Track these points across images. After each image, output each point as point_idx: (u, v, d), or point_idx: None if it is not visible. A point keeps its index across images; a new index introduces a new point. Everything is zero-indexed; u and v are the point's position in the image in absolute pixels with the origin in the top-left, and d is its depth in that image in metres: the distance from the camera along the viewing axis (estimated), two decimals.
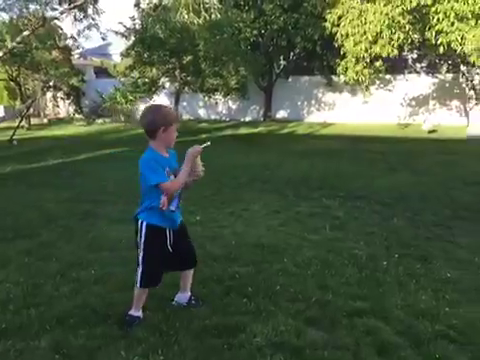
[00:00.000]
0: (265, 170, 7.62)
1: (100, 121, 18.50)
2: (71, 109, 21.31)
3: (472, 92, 11.90)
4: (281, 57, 18.14)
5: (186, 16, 12.01)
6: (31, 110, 18.62)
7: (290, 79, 18.12)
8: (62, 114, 21.68)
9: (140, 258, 2.53)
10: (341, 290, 2.97)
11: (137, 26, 12.93)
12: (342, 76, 12.04)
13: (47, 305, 2.81)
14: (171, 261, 2.59)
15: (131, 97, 13.30)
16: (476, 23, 8.66)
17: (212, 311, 2.68)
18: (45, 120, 19.74)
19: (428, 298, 2.86)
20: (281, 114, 18.62)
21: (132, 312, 2.59)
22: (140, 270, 2.53)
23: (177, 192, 2.50)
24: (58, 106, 21.60)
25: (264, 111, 18.35)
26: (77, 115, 20.73)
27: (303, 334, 2.42)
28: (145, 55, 12.55)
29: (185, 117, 18.70)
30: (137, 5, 13.16)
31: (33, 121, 17.91)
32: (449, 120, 14.81)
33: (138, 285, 2.55)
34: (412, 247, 3.82)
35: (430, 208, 5.06)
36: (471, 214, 4.79)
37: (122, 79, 15.74)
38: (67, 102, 21.21)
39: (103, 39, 14.87)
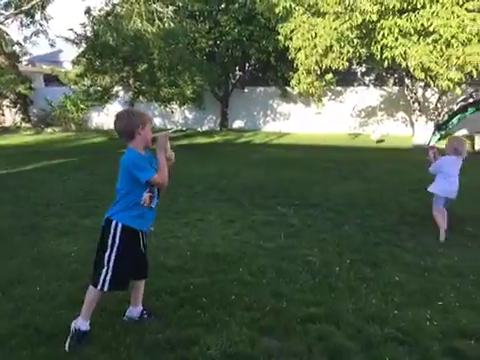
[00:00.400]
0: (221, 179, 7.61)
1: (49, 130, 17.74)
2: (18, 118, 20.29)
3: (416, 104, 12.60)
4: (237, 68, 18.36)
5: (139, 24, 11.85)
6: None
7: (246, 90, 18.37)
8: (8, 123, 20.59)
9: (109, 259, 2.45)
10: (295, 297, 2.99)
11: (88, 33, 12.59)
12: (295, 88, 12.35)
13: None
14: (138, 266, 2.58)
15: (82, 105, 12.87)
16: (418, 39, 9.22)
17: (165, 324, 2.61)
18: None
19: (378, 302, 2.95)
20: (237, 124, 18.78)
21: (80, 324, 2.47)
22: (107, 272, 2.45)
23: (154, 190, 2.55)
24: (4, 114, 20.48)
25: (220, 121, 18.43)
26: (25, 124, 19.76)
27: (257, 343, 2.41)
28: (97, 63, 12.22)
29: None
30: (88, 12, 12.81)
31: None
32: (396, 130, 15.61)
33: (104, 288, 2.45)
34: (362, 252, 3.95)
35: (379, 214, 5.27)
36: (416, 219, 5.03)
37: (73, 87, 15.24)
38: (14, 110, 20.18)
39: (52, 46, 14.37)
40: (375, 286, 3.20)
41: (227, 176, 7.89)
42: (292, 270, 3.51)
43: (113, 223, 2.47)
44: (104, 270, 2.45)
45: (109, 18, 12.76)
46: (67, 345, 2.42)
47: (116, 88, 13.97)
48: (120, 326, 2.59)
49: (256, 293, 3.04)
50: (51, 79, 20.74)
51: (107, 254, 2.46)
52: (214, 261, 3.69)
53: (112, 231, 2.47)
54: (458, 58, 8.78)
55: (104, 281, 2.45)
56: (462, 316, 2.75)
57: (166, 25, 12.36)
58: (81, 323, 2.48)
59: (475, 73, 9.12)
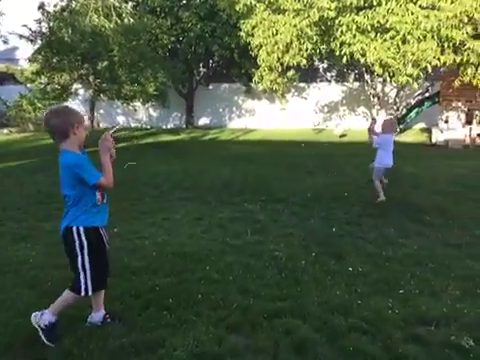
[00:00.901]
0: (187, 177, 7.55)
1: (5, 131, 16.97)
2: None
3: (376, 99, 12.99)
4: (200, 64, 18.22)
5: (96, 20, 11.50)
6: None
7: (211, 86, 18.29)
8: None
9: (83, 264, 2.43)
10: (262, 293, 3.01)
11: (44, 29, 12.09)
12: (259, 84, 12.43)
13: None
14: (107, 262, 2.57)
15: (40, 104, 12.35)
16: (376, 36, 9.48)
17: (130, 328, 2.55)
18: None
19: (342, 293, 3.01)
20: (203, 121, 18.68)
21: (48, 318, 2.45)
22: (86, 277, 2.43)
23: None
24: None
25: (186, 118, 18.26)
26: None
27: (224, 341, 2.40)
28: (54, 60, 11.75)
29: (102, 125, 17.90)
30: (42, 7, 12.28)
31: None
32: (358, 125, 16.02)
33: (88, 293, 2.46)
34: (327, 245, 4.02)
35: (342, 207, 5.38)
36: (377, 211, 5.18)
37: (29, 85, 14.60)
38: None
39: (5, 42, 13.67)
40: (339, 278, 3.27)
41: (193, 174, 7.83)
42: (259, 266, 3.52)
43: (74, 229, 2.43)
44: (82, 276, 2.43)
45: (64, 14, 12.29)
46: (45, 340, 2.41)
47: (75, 86, 13.52)
48: (82, 332, 2.51)
49: (223, 291, 3.03)
50: (6, 78, 19.78)
51: (79, 260, 2.43)
52: (181, 260, 3.64)
53: (76, 238, 2.42)
54: (413, 54, 9.11)
55: (86, 286, 2.44)
56: (422, 303, 2.86)
57: (125, 21, 12.05)
58: (48, 317, 2.46)
59: (430, 68, 9.49)
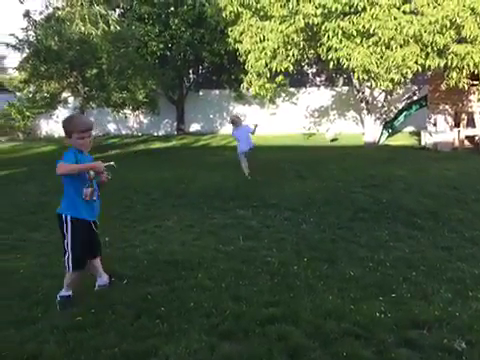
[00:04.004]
0: (179, 184, 7.52)
1: None
2: None
3: (364, 104, 13.10)
4: (190, 71, 18.26)
5: (83, 28, 11.47)
6: None
7: (201, 92, 18.30)
8: None
9: (67, 244, 2.92)
10: (254, 299, 3.00)
11: (31, 38, 12.03)
12: (249, 90, 12.48)
13: None
14: (92, 246, 3.04)
15: (28, 113, 12.25)
16: (361, 41, 9.58)
17: (121, 337, 2.52)
18: None
19: (334, 298, 3.01)
20: (194, 127, 18.66)
21: (63, 292, 2.96)
22: (69, 256, 2.92)
23: (93, 185, 2.88)
24: None
25: (177, 125, 18.24)
26: None
27: (217, 349, 2.39)
28: (42, 68, 11.68)
29: (93, 133, 17.78)
30: (27, 15, 12.22)
31: None
32: (348, 129, 16.16)
33: (69, 270, 2.94)
34: (319, 250, 4.03)
35: (334, 211, 5.41)
36: (369, 215, 5.21)
37: (18, 94, 14.48)
38: None
39: None
40: (332, 282, 3.27)
41: (185, 181, 7.80)
42: (251, 272, 3.52)
43: (63, 217, 2.91)
44: (67, 255, 2.93)
45: (51, 22, 12.23)
46: (58, 309, 2.90)
47: (64, 94, 13.44)
48: (74, 342, 2.48)
49: (215, 298, 3.02)
50: None
51: (65, 241, 2.92)
52: (172, 268, 3.62)
53: (64, 223, 2.90)
54: (395, 60, 9.23)
55: (68, 264, 2.93)
56: (414, 307, 2.87)
57: (112, 28, 12.03)
58: (64, 291, 2.97)
59: (410, 74, 9.63)
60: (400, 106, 13.50)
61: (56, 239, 4.30)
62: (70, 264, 2.92)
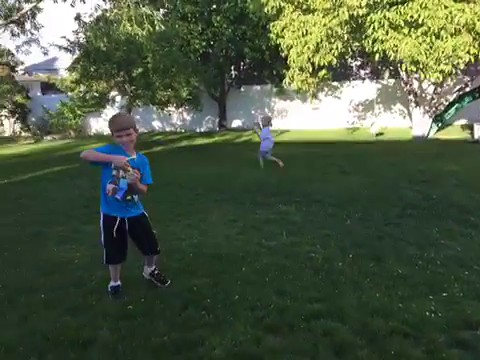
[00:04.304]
0: (222, 179, 7.62)
1: (49, 138, 17.78)
2: (17, 127, 20.34)
3: (412, 96, 12.59)
4: (232, 67, 18.37)
5: (130, 28, 11.85)
6: None
7: (242, 89, 18.38)
8: (7, 133, 20.64)
9: (101, 241, 3.09)
10: (299, 294, 3.00)
11: (81, 40, 12.61)
12: (291, 85, 12.37)
13: None
14: (123, 246, 3.10)
15: (79, 112, 12.88)
16: (409, 31, 9.21)
17: (170, 327, 2.62)
18: None
19: (381, 295, 2.95)
20: (236, 123, 18.79)
21: (111, 284, 3.17)
22: (103, 251, 3.11)
23: (117, 182, 2.87)
24: (2, 124, 20.53)
25: (219, 121, 18.45)
26: (24, 133, 19.81)
27: (262, 342, 2.42)
28: (91, 69, 12.22)
29: (139, 130, 18.39)
30: (78, 18, 12.81)
31: None
32: (394, 123, 15.61)
33: (103, 262, 3.15)
34: (365, 247, 3.94)
35: (380, 208, 5.26)
36: (417, 211, 5.03)
37: (70, 94, 15.25)
38: (12, 120, 20.23)
39: (45, 54, 14.37)
40: (379, 280, 3.20)
41: (227, 176, 7.90)
42: (295, 267, 3.51)
43: (100, 212, 3.08)
44: (103, 249, 3.11)
45: (100, 24, 12.76)
46: (110, 298, 3.08)
47: (112, 93, 13.99)
48: (125, 330, 2.60)
49: (259, 292, 3.05)
50: (48, 87, 20.81)
51: (101, 237, 3.09)
52: (217, 261, 3.69)
53: (100, 218, 3.07)
54: (445, 50, 8.79)
55: (103, 257, 3.12)
56: (467, 306, 2.75)
57: (157, 28, 12.35)
58: (111, 283, 3.17)
59: (461, 65, 9.13)
60: (451, 98, 12.85)
61: None
62: (103, 257, 3.11)
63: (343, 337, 2.44)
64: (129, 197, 2.96)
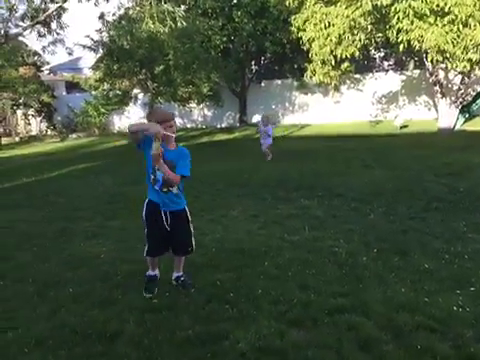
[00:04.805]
0: (243, 174, 7.63)
1: (74, 136, 18.21)
2: (43, 126, 20.91)
3: (437, 87, 12.25)
4: (252, 62, 18.29)
5: (152, 26, 11.96)
6: (1, 129, 18.19)
7: (263, 83, 18.28)
8: (34, 131, 21.24)
9: (145, 232, 3.12)
10: (322, 289, 2.98)
11: (104, 39, 12.81)
12: (313, 78, 12.23)
13: (25, 327, 2.72)
14: (162, 238, 3.05)
15: (103, 110, 13.12)
16: (435, 20, 8.94)
17: (194, 320, 2.65)
18: (17, 139, 19.28)
19: (407, 290, 2.90)
20: (256, 118, 18.67)
21: (148, 272, 3.20)
22: (145, 242, 3.13)
23: (158, 176, 2.93)
24: (30, 124, 21.14)
25: (239, 116, 18.43)
26: (50, 131, 20.34)
27: (286, 336, 2.42)
28: (115, 67, 12.42)
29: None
30: (101, 17, 13.02)
31: (4, 140, 17.48)
32: (419, 115, 15.22)
33: (144, 254, 3.16)
34: (389, 241, 3.88)
35: (404, 201, 5.16)
36: (443, 205, 4.91)
37: (93, 92, 15.53)
38: (38, 119, 20.80)
39: (69, 54, 14.68)
40: (404, 274, 3.15)
41: (248, 171, 7.90)
42: (318, 262, 3.49)
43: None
44: (146, 241, 3.12)
45: (122, 22, 12.92)
46: (143, 290, 3.08)
47: (135, 91, 14.17)
48: (151, 323, 2.65)
49: (282, 286, 3.05)
50: (72, 86, 21.28)
51: (144, 230, 3.10)
52: (239, 256, 3.71)
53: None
54: (473, 38, 8.50)
55: (145, 249, 3.13)
56: None
57: (179, 25, 12.42)
58: (149, 272, 3.20)
59: None
60: (479, 88, 12.43)
61: (132, 227, 4.63)
62: (145, 250, 3.12)
63: (368, 332, 2.42)
64: (165, 189, 2.97)
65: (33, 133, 21.08)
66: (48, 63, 22.40)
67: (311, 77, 12.14)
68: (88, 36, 12.95)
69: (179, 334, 2.51)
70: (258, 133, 9.75)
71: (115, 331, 2.60)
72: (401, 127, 13.47)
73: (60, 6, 13.60)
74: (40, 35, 13.95)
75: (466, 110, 12.50)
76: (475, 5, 8.41)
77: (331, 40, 10.27)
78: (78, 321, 2.75)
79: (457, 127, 12.36)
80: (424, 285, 2.96)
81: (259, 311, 2.72)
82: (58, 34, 13.98)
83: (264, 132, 9.28)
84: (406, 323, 2.48)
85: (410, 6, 8.85)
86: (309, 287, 3.01)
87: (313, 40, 10.72)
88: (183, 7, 13.67)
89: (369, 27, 9.98)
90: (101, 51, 12.83)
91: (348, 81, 16.51)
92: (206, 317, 2.69)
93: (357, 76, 16.55)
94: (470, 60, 8.97)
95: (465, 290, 2.86)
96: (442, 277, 3.08)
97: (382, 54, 17.11)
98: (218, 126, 18.76)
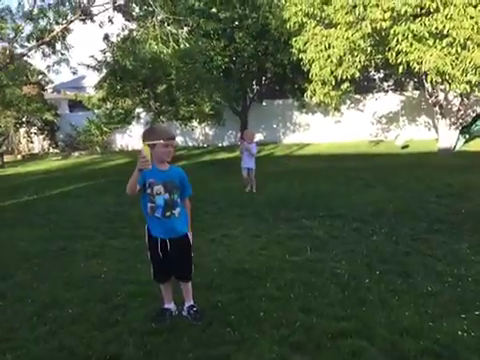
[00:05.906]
0: (244, 194, 7.64)
1: (76, 154, 18.28)
2: (46, 144, 21.03)
3: (437, 108, 12.36)
4: (254, 82, 18.52)
5: (155, 47, 12.17)
6: (4, 147, 18.30)
7: (264, 103, 18.47)
8: (36, 149, 21.35)
9: (148, 256, 3.02)
10: (325, 312, 2.95)
11: (108, 59, 13.02)
12: (313, 98, 12.36)
13: (23, 349, 2.69)
14: (165, 267, 2.97)
15: (106, 128, 13.23)
16: (434, 43, 9.09)
17: (195, 343, 2.61)
18: (19, 156, 19.36)
19: (411, 314, 2.87)
20: (258, 137, 18.73)
21: (163, 305, 3.07)
22: (151, 267, 3.04)
23: (158, 201, 2.82)
24: (32, 142, 21.26)
25: (241, 135, 18.52)
26: (52, 149, 20.44)
27: None
28: (118, 86, 12.59)
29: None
30: (106, 38, 13.27)
31: (6, 158, 17.54)
32: (419, 135, 15.32)
33: (152, 278, 3.09)
34: (392, 263, 3.86)
35: (407, 222, 5.14)
36: (446, 226, 4.89)
37: (96, 111, 15.68)
38: (41, 137, 20.94)
39: (74, 73, 14.89)
40: (407, 298, 3.12)
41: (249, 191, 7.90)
42: (320, 284, 3.46)
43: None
44: (150, 265, 3.03)
45: (127, 43, 13.16)
46: (153, 321, 2.93)
47: (137, 110, 14.31)
48: (151, 346, 2.62)
49: (284, 309, 3.01)
50: (75, 105, 21.49)
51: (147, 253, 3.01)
52: (241, 277, 3.68)
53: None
54: (472, 60, 8.62)
55: (151, 272, 3.04)
56: None
57: (181, 46, 12.64)
58: (164, 305, 3.07)
59: None
60: (478, 109, 12.55)
61: (133, 247, 4.60)
62: (152, 274, 3.03)
63: (372, 357, 2.38)
64: (168, 213, 2.85)
65: (35, 151, 21.19)
66: (52, 82, 22.70)
67: (311, 97, 12.27)
68: (92, 56, 13.17)
69: (179, 357, 2.47)
70: (240, 152, 8.29)
71: (115, 354, 2.57)
72: (403, 147, 13.53)
73: (65, 27, 13.87)
74: (45, 55, 14.19)
75: (466, 131, 12.57)
76: (473, 28, 8.56)
77: (331, 61, 10.42)
78: (77, 343, 2.72)
79: (457, 147, 12.41)
80: (428, 309, 2.92)
81: (261, 334, 2.68)
82: (63, 54, 14.23)
83: (247, 149, 7.94)
84: (410, 348, 2.44)
85: (409, 29, 9.01)
86: (311, 310, 2.98)
87: (313, 61, 10.87)
88: (186, 29, 13.93)
89: (369, 49, 10.13)
90: (105, 71, 13.03)
91: (348, 101, 16.70)
92: (207, 340, 2.65)
93: (357, 96, 16.75)
94: (469, 82, 9.08)
95: (470, 314, 2.83)
96: (446, 300, 3.04)
97: (382, 75, 17.35)
98: (220, 145, 18.86)
